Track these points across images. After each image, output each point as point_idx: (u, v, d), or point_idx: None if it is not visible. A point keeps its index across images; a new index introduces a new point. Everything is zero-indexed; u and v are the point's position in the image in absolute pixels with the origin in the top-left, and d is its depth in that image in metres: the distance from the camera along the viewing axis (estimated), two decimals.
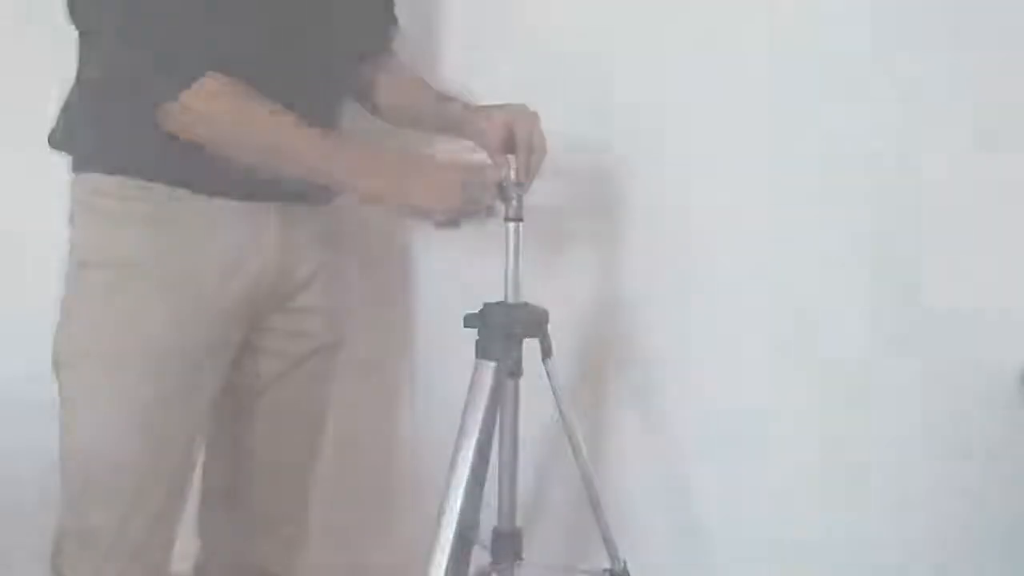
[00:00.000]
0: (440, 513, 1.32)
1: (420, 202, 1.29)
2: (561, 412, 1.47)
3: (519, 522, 1.51)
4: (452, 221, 1.31)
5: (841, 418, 1.58)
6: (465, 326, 1.41)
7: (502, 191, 1.37)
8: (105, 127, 1.34)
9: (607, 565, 1.50)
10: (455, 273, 1.77)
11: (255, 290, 1.42)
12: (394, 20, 1.64)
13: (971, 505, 1.52)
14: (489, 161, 1.44)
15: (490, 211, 1.35)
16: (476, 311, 1.41)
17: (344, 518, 1.89)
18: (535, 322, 1.44)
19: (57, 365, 1.35)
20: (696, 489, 1.68)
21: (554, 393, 1.46)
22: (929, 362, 1.52)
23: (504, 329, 1.40)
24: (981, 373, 1.50)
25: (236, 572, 1.59)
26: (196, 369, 1.38)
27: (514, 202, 1.39)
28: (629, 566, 1.50)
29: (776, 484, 1.62)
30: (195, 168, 1.32)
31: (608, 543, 1.49)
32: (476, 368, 1.39)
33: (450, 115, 1.52)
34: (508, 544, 1.50)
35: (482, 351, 1.40)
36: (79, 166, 1.37)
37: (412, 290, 1.83)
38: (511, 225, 1.41)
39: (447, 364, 1.52)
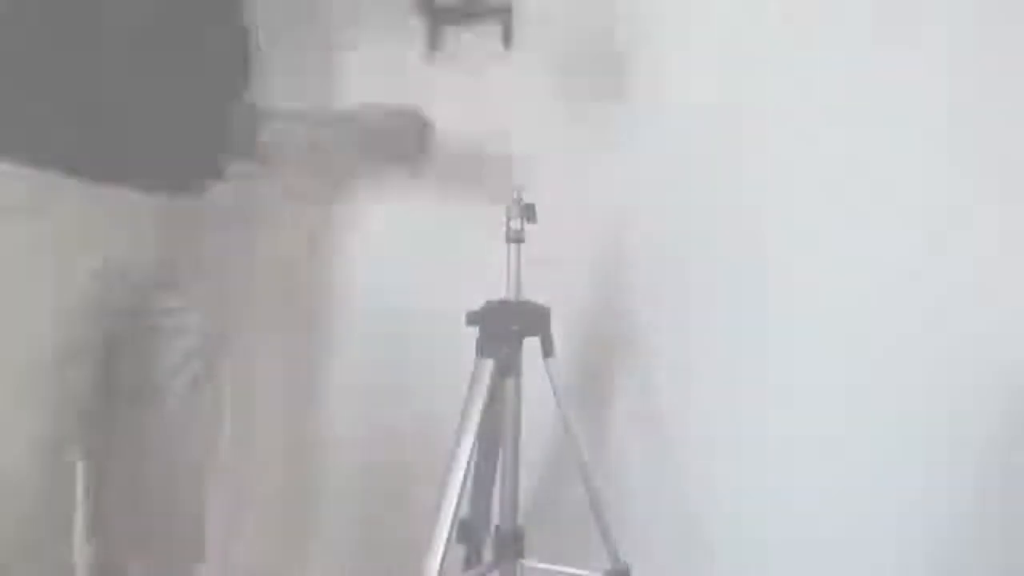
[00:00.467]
0: (438, 509, 1.32)
1: None
2: (561, 412, 1.47)
3: (519, 521, 1.51)
4: None
5: (841, 418, 1.58)
6: (467, 324, 1.41)
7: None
8: None
9: (608, 565, 1.50)
10: (455, 272, 1.76)
11: None
12: None
13: (971, 505, 1.52)
14: None
15: None
16: (477, 309, 1.41)
17: (344, 516, 1.88)
18: (536, 320, 1.44)
19: None
20: (696, 489, 1.68)
21: (555, 393, 1.46)
22: (929, 362, 1.52)
23: (504, 327, 1.41)
24: (981, 373, 1.50)
25: None
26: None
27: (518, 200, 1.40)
28: (629, 566, 1.50)
29: (776, 484, 1.62)
30: None
31: (608, 543, 1.49)
32: (476, 366, 1.39)
33: None
34: (509, 544, 1.50)
35: (482, 349, 1.40)
36: None
37: (411, 289, 1.82)
38: (514, 223, 1.41)
39: (447, 363, 1.52)
